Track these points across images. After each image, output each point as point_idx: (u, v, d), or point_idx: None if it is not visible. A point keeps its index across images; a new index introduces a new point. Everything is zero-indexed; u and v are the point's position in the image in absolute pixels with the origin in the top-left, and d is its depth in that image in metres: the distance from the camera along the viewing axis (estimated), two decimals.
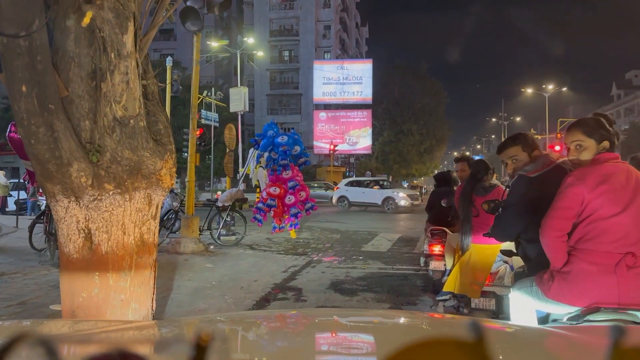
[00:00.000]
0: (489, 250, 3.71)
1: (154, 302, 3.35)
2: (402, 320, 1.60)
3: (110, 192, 2.91)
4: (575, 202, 1.86)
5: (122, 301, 3.06)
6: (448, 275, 3.99)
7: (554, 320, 2.00)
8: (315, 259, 7.87)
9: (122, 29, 2.62)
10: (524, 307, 2.10)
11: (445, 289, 3.81)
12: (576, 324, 1.84)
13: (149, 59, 3.14)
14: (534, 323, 2.08)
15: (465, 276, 3.72)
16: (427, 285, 5.78)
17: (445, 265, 4.74)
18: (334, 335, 1.37)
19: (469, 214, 3.68)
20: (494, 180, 4.16)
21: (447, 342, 0.49)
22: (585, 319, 1.82)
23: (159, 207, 3.17)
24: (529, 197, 2.25)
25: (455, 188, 5.00)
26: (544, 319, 2.10)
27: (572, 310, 1.87)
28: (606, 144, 1.91)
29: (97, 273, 3.01)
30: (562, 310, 1.92)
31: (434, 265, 5.16)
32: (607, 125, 1.92)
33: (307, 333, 1.36)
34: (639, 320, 1.80)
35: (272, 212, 8.33)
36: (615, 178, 1.85)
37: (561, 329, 1.55)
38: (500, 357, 0.95)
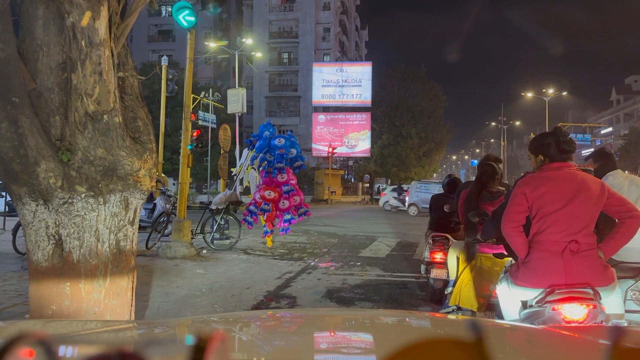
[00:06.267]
0: (495, 261, 3.45)
1: (133, 315, 3.08)
2: (401, 319, 1.59)
3: (83, 195, 2.65)
4: (521, 199, 2.29)
5: (95, 314, 2.79)
6: (452, 286, 3.73)
7: (530, 306, 2.28)
8: (311, 264, 7.60)
9: (93, 13, 2.36)
10: (508, 297, 2.44)
11: (451, 302, 3.55)
12: (542, 305, 2.18)
13: (128, 49, 2.88)
14: (516, 310, 2.39)
15: (470, 288, 3.46)
16: (427, 294, 5.51)
17: (447, 274, 4.48)
18: (332, 334, 1.35)
19: (474, 223, 3.42)
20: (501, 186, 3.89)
21: (446, 342, 0.50)
22: (547, 300, 2.17)
23: (138, 211, 2.90)
24: None
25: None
26: (524, 305, 2.38)
27: (537, 292, 2.22)
28: (540, 157, 2.36)
29: (68, 283, 2.75)
30: (529, 294, 2.27)
31: (435, 273, 4.90)
32: (547, 141, 2.35)
33: (306, 333, 1.34)
34: (589, 296, 2.13)
35: (265, 216, 8.07)
36: (555, 181, 2.26)
37: (561, 329, 1.60)
38: (500, 357, 0.94)
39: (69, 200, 2.63)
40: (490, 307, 3.42)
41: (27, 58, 2.51)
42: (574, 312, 2.12)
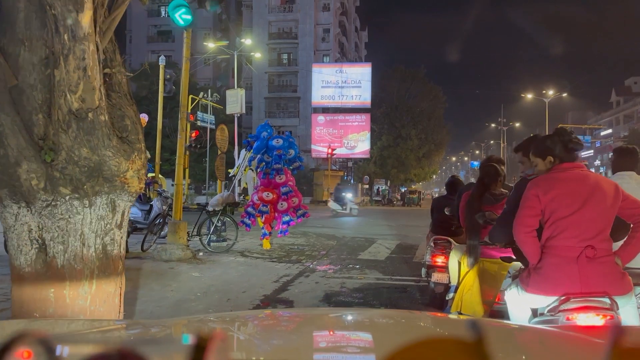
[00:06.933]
0: (500, 265, 3.32)
1: None
2: (401, 319, 1.57)
3: (67, 197, 2.52)
4: (534, 202, 2.16)
5: None
6: (454, 292, 3.60)
7: (541, 314, 2.17)
8: (309, 267, 7.48)
9: (76, 5, 2.23)
10: (518, 304, 2.31)
11: (453, 309, 3.42)
12: (555, 314, 2.06)
13: (116, 45, 2.76)
14: (526, 318, 2.26)
15: (473, 294, 3.34)
16: (428, 298, 5.38)
17: (449, 278, 4.35)
18: (332, 333, 1.34)
19: (477, 226, 3.29)
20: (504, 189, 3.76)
21: (446, 342, 0.53)
22: (560, 308, 2.05)
23: (126, 214, 2.78)
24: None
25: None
26: (534, 312, 2.28)
27: (549, 300, 2.10)
28: (550, 158, 2.26)
29: (52, 289, 2.62)
30: (541, 302, 2.16)
31: (437, 277, 4.77)
32: (553, 142, 2.27)
33: (305, 332, 1.34)
34: (606, 306, 2.01)
35: (263, 218, 7.94)
36: (568, 182, 2.15)
37: (561, 329, 1.57)
38: (500, 357, 0.93)
39: (53, 203, 2.50)
40: (493, 314, 3.30)
41: (8, 53, 2.38)
42: (589, 322, 2.02)
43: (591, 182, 2.16)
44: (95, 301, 2.69)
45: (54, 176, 2.47)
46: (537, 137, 2.87)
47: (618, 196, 2.15)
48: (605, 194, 2.13)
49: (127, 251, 7.53)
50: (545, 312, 2.13)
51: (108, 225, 2.67)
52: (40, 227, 2.56)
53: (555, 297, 2.09)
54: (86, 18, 2.28)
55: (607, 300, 2.03)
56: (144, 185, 2.83)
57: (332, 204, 22.44)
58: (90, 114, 2.41)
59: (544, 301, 2.14)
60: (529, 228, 2.18)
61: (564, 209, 2.12)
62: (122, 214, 2.74)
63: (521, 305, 2.28)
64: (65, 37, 2.26)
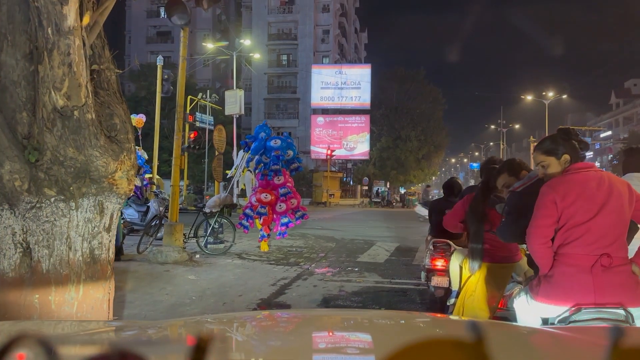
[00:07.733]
0: (503, 270, 3.22)
1: None
2: (400, 319, 1.57)
3: (52, 199, 2.41)
4: (551, 210, 2.02)
5: None
6: (455, 297, 3.50)
7: (552, 324, 2.09)
8: (307, 270, 7.36)
9: None
10: (527, 313, 2.23)
11: (454, 315, 3.31)
12: (565, 325, 1.96)
13: (105, 41, 2.65)
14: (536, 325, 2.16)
15: (475, 300, 3.23)
16: (428, 302, 5.28)
17: (449, 282, 4.24)
18: (331, 334, 1.34)
19: (481, 230, 3.18)
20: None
21: (446, 342, 0.49)
22: (570, 319, 1.96)
23: (115, 217, 2.67)
24: (519, 206, 2.39)
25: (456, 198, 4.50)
26: (544, 322, 2.21)
27: (560, 310, 2.01)
28: (566, 157, 2.10)
29: (36, 295, 2.52)
30: (551, 312, 2.06)
31: (436, 281, 4.66)
32: (564, 141, 2.13)
33: (304, 333, 1.34)
34: (621, 318, 1.92)
35: (261, 220, 7.82)
36: (585, 186, 2.01)
37: (561, 329, 1.57)
38: (500, 357, 0.90)
39: (37, 205, 2.40)
40: (496, 319, 3.20)
41: None
42: None
43: (607, 183, 2.03)
44: (82, 307, 2.59)
45: (38, 177, 2.36)
46: (514, 160, 2.92)
47: (632, 197, 2.04)
48: (622, 196, 2.01)
49: (122, 253, 7.45)
50: (556, 322, 2.03)
51: (96, 229, 2.56)
52: (25, 230, 2.46)
53: (566, 307, 1.99)
54: (71, 11, 2.18)
55: (621, 311, 1.93)
56: (133, 187, 2.73)
57: (419, 209, 20.37)
58: (76, 112, 2.31)
59: (555, 311, 2.04)
60: (544, 239, 2.05)
61: (582, 214, 1.99)
62: (111, 217, 2.63)
63: (530, 314, 2.19)
64: (49, 31, 2.16)
